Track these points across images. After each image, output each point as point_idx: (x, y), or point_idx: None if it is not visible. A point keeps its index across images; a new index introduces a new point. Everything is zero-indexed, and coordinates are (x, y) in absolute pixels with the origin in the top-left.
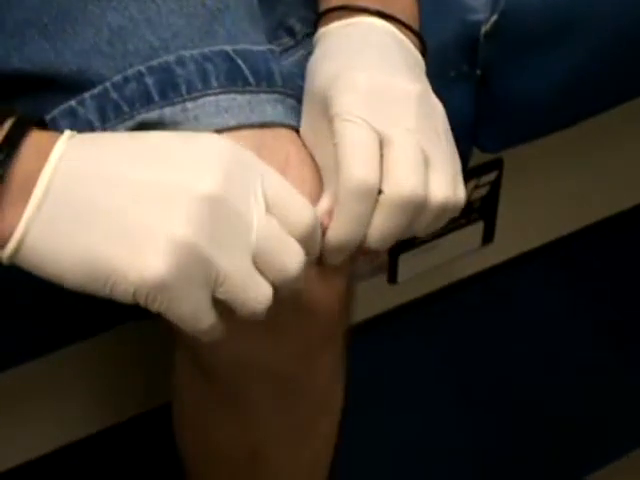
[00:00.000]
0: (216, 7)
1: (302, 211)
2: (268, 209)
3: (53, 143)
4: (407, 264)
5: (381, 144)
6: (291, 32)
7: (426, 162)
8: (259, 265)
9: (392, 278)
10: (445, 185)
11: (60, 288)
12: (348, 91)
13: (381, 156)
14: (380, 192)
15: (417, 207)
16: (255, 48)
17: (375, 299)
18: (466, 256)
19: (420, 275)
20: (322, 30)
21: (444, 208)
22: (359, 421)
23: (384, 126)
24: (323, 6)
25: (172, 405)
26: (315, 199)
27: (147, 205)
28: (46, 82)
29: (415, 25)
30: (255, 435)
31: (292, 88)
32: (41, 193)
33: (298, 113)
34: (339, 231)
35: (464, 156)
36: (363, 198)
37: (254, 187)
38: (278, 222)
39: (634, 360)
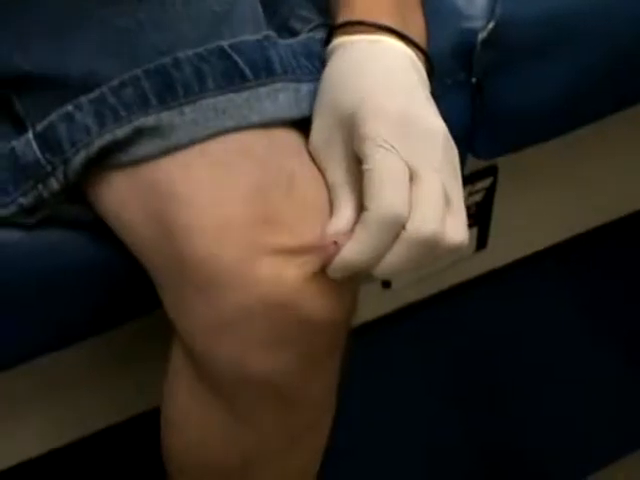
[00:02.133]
0: (224, 11)
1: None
2: None
3: None
4: None
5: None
6: (293, 33)
7: (446, 202)
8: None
9: (386, 283)
10: (461, 228)
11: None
12: (380, 116)
13: None
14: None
15: (433, 248)
16: (251, 38)
17: (369, 304)
18: (460, 262)
19: (414, 281)
20: (341, 40)
21: (457, 250)
22: (351, 426)
23: (413, 158)
24: (342, 17)
25: (161, 411)
26: (321, 216)
27: None
28: (50, 83)
29: (427, 49)
30: (248, 444)
31: (296, 69)
32: None
33: (304, 95)
34: (356, 255)
35: (459, 163)
36: (391, 228)
37: None
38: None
39: (628, 363)
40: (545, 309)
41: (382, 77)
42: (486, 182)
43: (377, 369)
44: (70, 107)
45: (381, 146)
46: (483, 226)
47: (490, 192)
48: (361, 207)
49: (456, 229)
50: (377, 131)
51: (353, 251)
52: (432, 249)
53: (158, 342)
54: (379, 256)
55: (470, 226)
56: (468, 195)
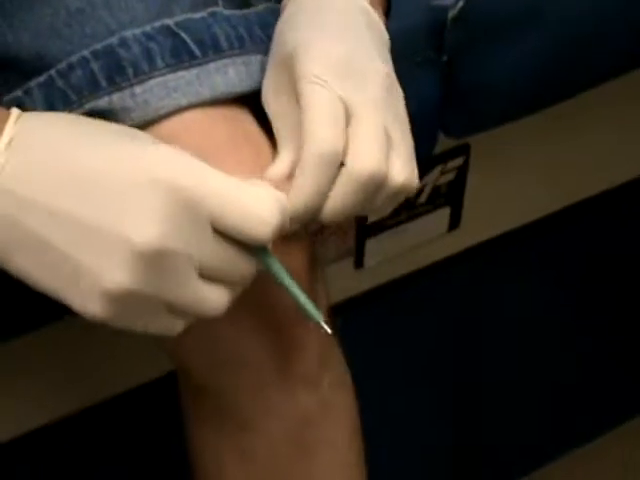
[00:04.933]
0: None
1: (257, 229)
2: (220, 230)
3: None
4: (373, 249)
5: (347, 114)
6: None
7: (388, 141)
8: (210, 277)
9: (359, 263)
10: (405, 167)
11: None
12: (317, 58)
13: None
14: (341, 164)
15: (377, 185)
16: (196, 15)
17: (341, 284)
18: (432, 241)
19: (387, 260)
20: None
21: (402, 190)
22: None
23: (351, 96)
24: None
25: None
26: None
27: (84, 248)
28: (2, 65)
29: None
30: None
31: (246, 42)
32: None
33: (256, 67)
34: (299, 198)
35: (430, 141)
36: (328, 163)
37: (200, 223)
38: (229, 242)
39: (603, 342)
40: (519, 288)
41: (328, 25)
42: (458, 161)
43: (350, 351)
44: (19, 92)
45: (315, 83)
46: (456, 205)
47: (462, 171)
48: None
49: (399, 167)
50: (312, 69)
51: (293, 194)
52: (376, 188)
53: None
54: (322, 196)
55: (442, 205)
56: (440, 174)
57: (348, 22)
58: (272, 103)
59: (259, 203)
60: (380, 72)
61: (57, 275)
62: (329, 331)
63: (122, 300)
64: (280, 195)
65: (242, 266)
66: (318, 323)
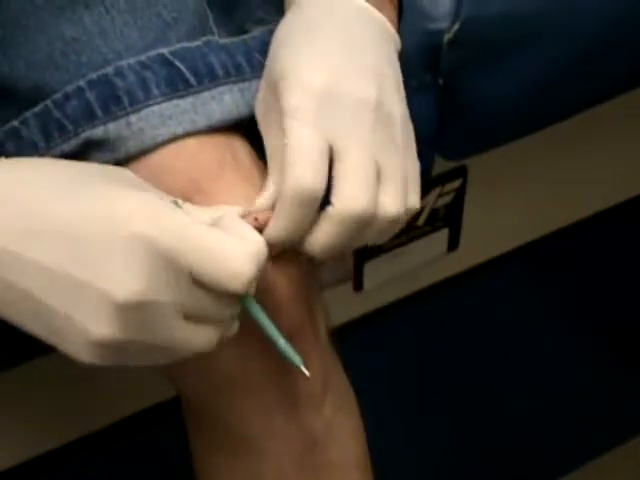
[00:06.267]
0: (171, 17)
1: (232, 282)
2: (198, 281)
3: None
4: (373, 272)
5: (332, 152)
6: None
7: (378, 174)
8: (195, 319)
9: (358, 286)
10: (396, 198)
11: None
12: (301, 88)
13: (332, 165)
14: (329, 202)
15: (365, 224)
16: (192, 44)
17: (341, 307)
18: (431, 263)
19: (386, 283)
20: None
21: (394, 224)
22: None
23: (336, 134)
24: None
25: None
26: (250, 201)
27: (68, 301)
28: None
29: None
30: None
31: (244, 68)
32: None
33: (254, 92)
34: (274, 232)
35: (427, 164)
36: (304, 204)
37: (179, 274)
38: (209, 290)
39: (601, 360)
40: (518, 309)
41: (318, 36)
42: (456, 183)
43: (349, 372)
44: (16, 123)
45: (298, 120)
46: (454, 227)
47: (460, 193)
48: None
49: (391, 200)
50: (295, 104)
51: (272, 227)
52: (364, 225)
53: None
54: (299, 232)
55: (441, 227)
56: (438, 197)
57: (342, 36)
58: (263, 129)
59: (235, 257)
60: (369, 100)
61: (47, 326)
62: (307, 374)
63: (111, 348)
64: (257, 243)
65: (224, 310)
66: (298, 367)
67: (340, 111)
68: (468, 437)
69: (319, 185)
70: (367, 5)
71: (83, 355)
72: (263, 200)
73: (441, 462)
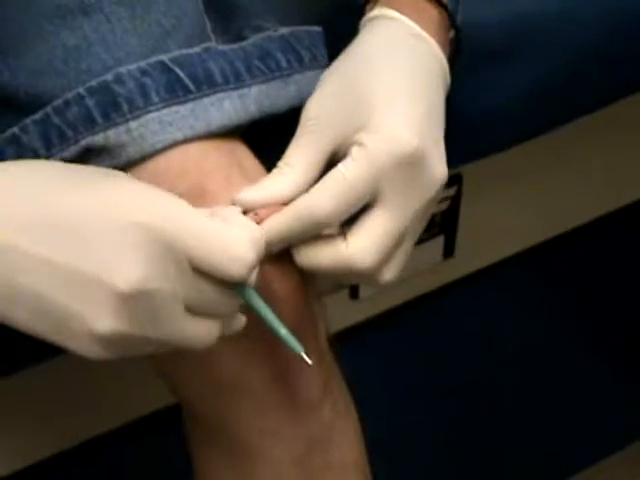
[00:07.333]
0: (170, 25)
1: (232, 268)
2: (199, 269)
3: None
4: None
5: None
6: None
7: (396, 246)
8: (196, 311)
9: (354, 294)
10: (396, 269)
11: None
12: (392, 150)
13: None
14: (344, 234)
15: (358, 276)
16: (191, 51)
17: (337, 314)
18: (427, 270)
19: (381, 290)
20: (379, 12)
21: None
22: None
23: (385, 188)
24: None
25: None
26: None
27: (69, 294)
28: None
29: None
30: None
31: (243, 74)
32: None
33: (253, 98)
34: (269, 233)
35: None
36: (304, 224)
37: (179, 262)
38: (209, 279)
39: (598, 363)
40: (514, 316)
41: (407, 81)
42: (451, 191)
43: (347, 380)
44: (16, 130)
45: (373, 166)
46: (450, 234)
47: (456, 200)
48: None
49: (390, 271)
50: (382, 162)
51: (267, 228)
52: (357, 276)
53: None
54: (290, 242)
55: (436, 234)
56: None
57: (425, 80)
58: (314, 120)
59: (234, 242)
60: (438, 183)
61: (48, 321)
62: (309, 362)
63: (113, 341)
64: (256, 231)
65: (225, 300)
66: (300, 355)
67: (410, 184)
68: (465, 444)
69: (335, 222)
70: (420, 32)
71: (85, 349)
72: (281, 186)
73: (439, 468)
